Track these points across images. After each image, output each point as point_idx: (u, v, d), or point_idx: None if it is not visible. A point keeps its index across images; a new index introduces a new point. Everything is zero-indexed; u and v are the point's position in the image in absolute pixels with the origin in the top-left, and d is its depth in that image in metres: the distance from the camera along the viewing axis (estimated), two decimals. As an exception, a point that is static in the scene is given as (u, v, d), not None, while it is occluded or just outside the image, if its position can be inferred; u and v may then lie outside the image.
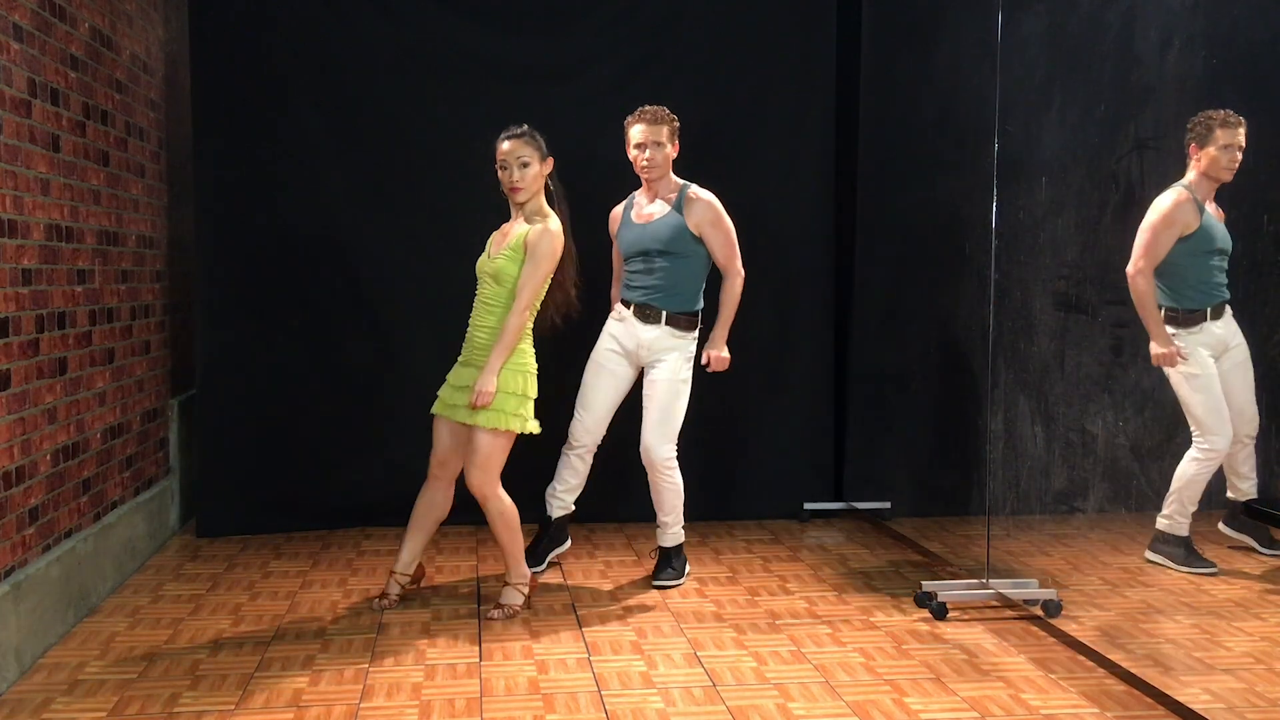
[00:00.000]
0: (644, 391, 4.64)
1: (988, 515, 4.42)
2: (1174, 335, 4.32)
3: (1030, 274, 4.57)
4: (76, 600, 4.20)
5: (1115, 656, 3.72)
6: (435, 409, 4.33)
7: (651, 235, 4.58)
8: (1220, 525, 4.51)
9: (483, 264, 4.25)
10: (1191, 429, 4.37)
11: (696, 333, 4.69)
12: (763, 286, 5.72)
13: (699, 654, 3.88)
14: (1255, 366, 4.40)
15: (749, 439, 5.80)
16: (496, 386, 4.09)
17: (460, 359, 4.30)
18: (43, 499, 3.98)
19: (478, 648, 3.96)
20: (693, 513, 5.66)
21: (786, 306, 5.77)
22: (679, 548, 4.76)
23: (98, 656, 3.88)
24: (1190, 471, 4.37)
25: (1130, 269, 4.27)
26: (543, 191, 4.25)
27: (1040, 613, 4.16)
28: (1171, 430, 4.49)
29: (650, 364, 4.64)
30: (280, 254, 5.43)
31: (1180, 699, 3.37)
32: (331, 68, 5.41)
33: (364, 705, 3.45)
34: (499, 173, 4.23)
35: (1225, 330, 4.34)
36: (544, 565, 4.81)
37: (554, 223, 4.19)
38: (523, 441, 4.29)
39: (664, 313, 4.59)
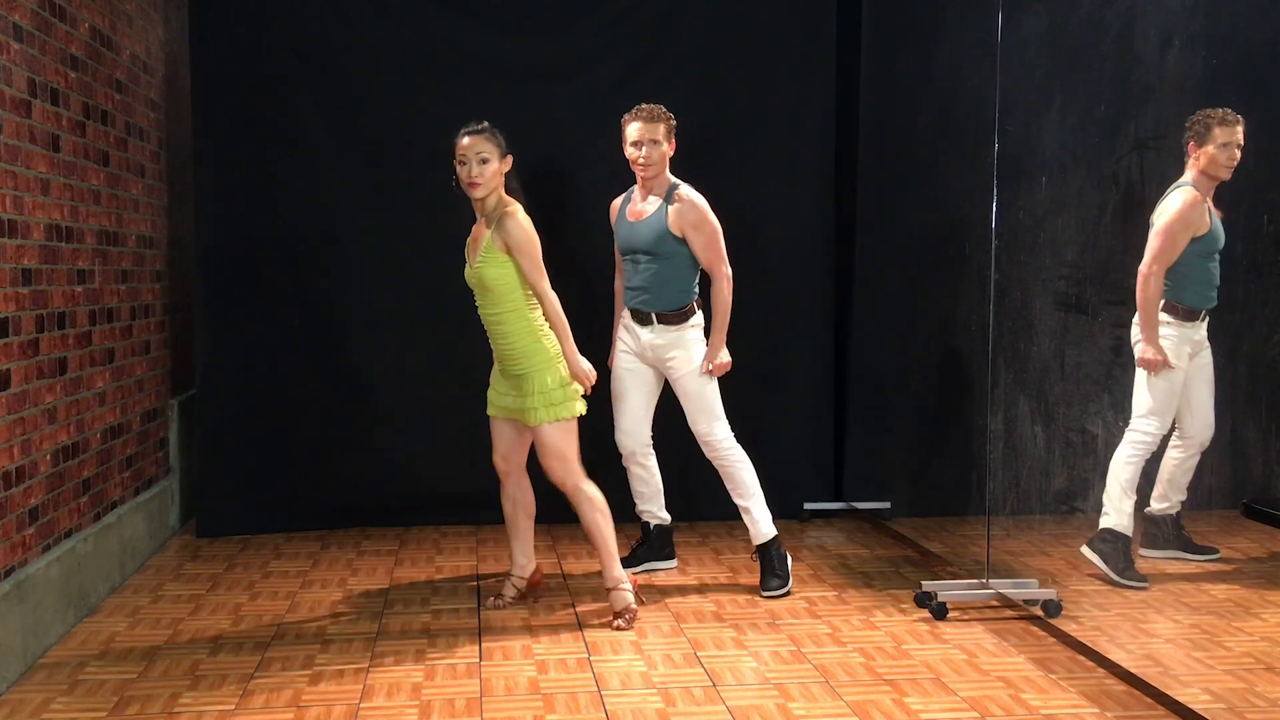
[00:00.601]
0: (675, 391, 4.70)
1: (988, 515, 4.42)
2: (1168, 324, 4.31)
3: (1030, 274, 4.57)
4: (76, 600, 4.20)
5: (1115, 656, 3.72)
6: (490, 411, 4.36)
7: (639, 234, 4.58)
8: (1140, 550, 4.48)
9: (468, 276, 4.21)
10: (1134, 413, 4.36)
11: (697, 317, 4.66)
12: (763, 287, 5.73)
13: (699, 654, 3.88)
14: (1254, 366, 4.40)
15: (749, 439, 5.75)
16: (543, 380, 4.12)
17: (498, 367, 4.29)
18: (43, 499, 3.98)
19: (478, 648, 3.96)
20: (694, 512, 5.69)
21: (786, 306, 5.76)
22: (775, 542, 4.63)
23: (98, 656, 3.88)
24: (1123, 455, 4.38)
25: (1143, 269, 4.26)
26: (502, 188, 4.15)
27: (1040, 613, 4.16)
28: (1171, 430, 4.48)
29: (662, 363, 4.66)
30: (280, 254, 5.43)
31: (1180, 699, 3.37)
32: (331, 68, 5.41)
33: (364, 705, 3.45)
34: (458, 169, 4.12)
35: (1203, 334, 4.35)
36: (638, 569, 4.80)
37: (515, 209, 4.11)
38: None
39: (652, 314, 4.59)
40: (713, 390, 4.66)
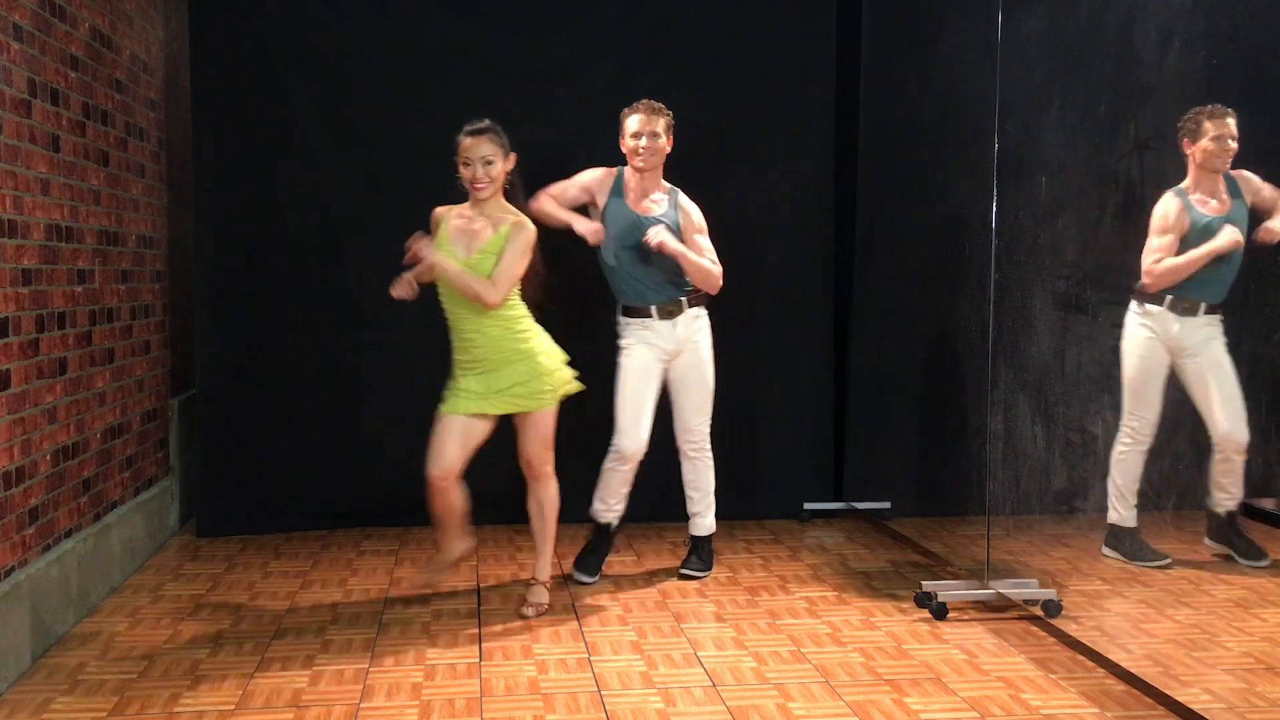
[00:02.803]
0: (680, 382, 4.72)
1: (988, 515, 4.42)
2: (1147, 312, 4.33)
3: (1030, 274, 4.57)
4: (76, 600, 4.20)
5: (1115, 656, 3.72)
6: (453, 409, 4.17)
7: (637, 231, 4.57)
8: (1206, 540, 4.50)
9: (463, 267, 4.14)
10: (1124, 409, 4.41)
11: (701, 309, 4.74)
12: (763, 287, 5.73)
13: (699, 654, 3.88)
14: (1256, 366, 4.39)
15: (749, 439, 5.80)
16: (539, 365, 4.14)
17: (469, 363, 4.18)
18: (43, 499, 3.98)
19: (478, 648, 3.96)
20: (693, 513, 5.69)
21: (786, 306, 5.76)
22: (712, 538, 4.90)
23: (98, 656, 3.88)
24: (1117, 453, 4.41)
25: (1144, 279, 4.30)
26: (502, 188, 4.17)
27: (1040, 613, 4.16)
28: (1171, 430, 4.48)
29: (690, 350, 4.70)
30: (280, 254, 5.43)
31: (1180, 699, 3.37)
32: (331, 68, 5.41)
33: (364, 705, 3.45)
34: (461, 169, 4.12)
35: (1193, 330, 4.33)
36: (598, 577, 4.79)
37: (526, 221, 4.13)
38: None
39: (683, 300, 4.66)
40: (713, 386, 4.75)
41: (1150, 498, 4.55)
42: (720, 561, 5.04)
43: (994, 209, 4.32)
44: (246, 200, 5.39)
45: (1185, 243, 4.26)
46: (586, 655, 3.88)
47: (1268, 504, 4.54)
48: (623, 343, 4.70)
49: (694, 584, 4.70)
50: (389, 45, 5.45)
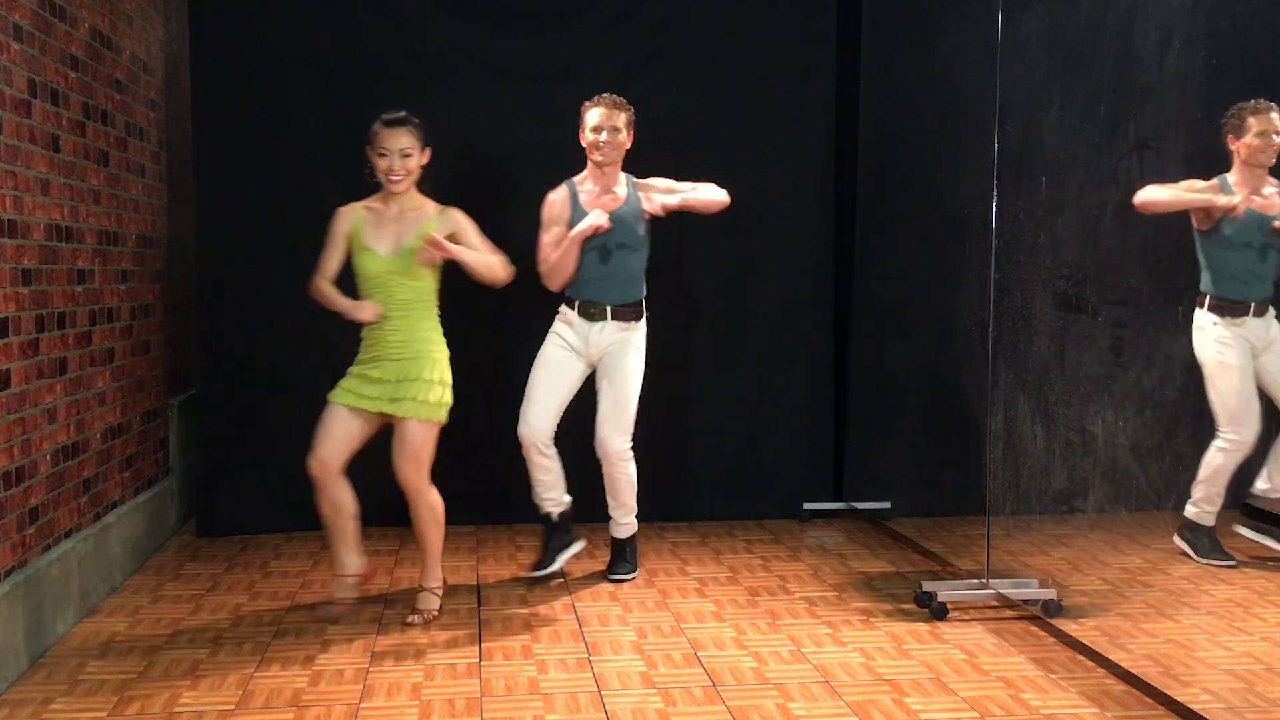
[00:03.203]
0: (600, 390, 4.61)
1: (988, 515, 4.42)
2: (1215, 324, 4.31)
3: (1030, 274, 4.57)
4: (76, 600, 4.20)
5: (1115, 656, 3.72)
6: (344, 400, 4.15)
7: (622, 221, 4.52)
8: (1237, 527, 4.50)
9: (386, 264, 4.11)
10: (1216, 419, 4.36)
11: (643, 322, 4.65)
12: (763, 286, 5.73)
13: (699, 654, 3.88)
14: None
15: (749, 439, 5.80)
16: (431, 372, 4.11)
17: (367, 359, 4.17)
18: (43, 499, 3.98)
19: (478, 648, 3.96)
20: (693, 513, 5.69)
21: (786, 306, 5.77)
22: (635, 537, 4.84)
23: (98, 656, 3.88)
24: (1217, 462, 4.39)
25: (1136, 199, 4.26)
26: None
27: (1040, 613, 4.16)
28: (1171, 430, 4.49)
29: (604, 361, 4.60)
30: (280, 254, 5.42)
31: (1180, 699, 3.37)
32: (331, 68, 5.41)
33: (364, 705, 3.45)
34: (376, 159, 4.10)
35: (1268, 326, 4.32)
36: (556, 565, 4.73)
37: (446, 207, 4.16)
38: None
39: (608, 307, 4.55)
40: (636, 400, 4.62)
41: (1150, 497, 4.56)
42: (720, 561, 5.04)
43: (994, 209, 4.32)
44: (246, 200, 5.39)
45: (1215, 235, 4.24)
46: (586, 655, 3.88)
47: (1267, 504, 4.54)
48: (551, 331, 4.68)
49: (694, 584, 4.70)
50: (389, 45, 5.45)
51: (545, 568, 4.70)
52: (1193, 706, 3.31)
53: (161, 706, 3.46)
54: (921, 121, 5.49)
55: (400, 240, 4.12)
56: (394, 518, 5.58)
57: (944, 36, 5.32)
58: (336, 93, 5.41)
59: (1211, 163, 4.28)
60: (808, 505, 5.79)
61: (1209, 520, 4.44)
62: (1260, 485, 4.45)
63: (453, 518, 5.70)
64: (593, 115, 4.55)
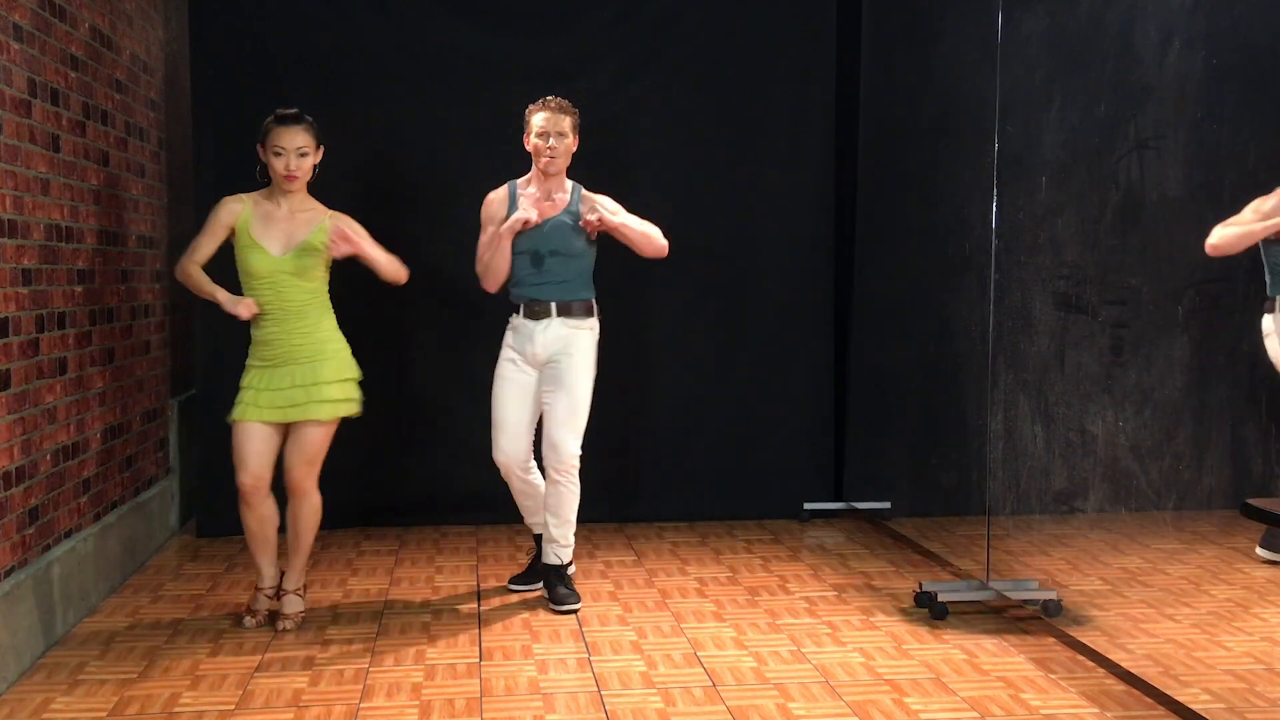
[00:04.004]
0: (546, 397, 4.37)
1: (988, 515, 4.42)
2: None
3: (1030, 274, 4.57)
4: (76, 600, 4.20)
5: (1115, 656, 3.72)
6: (254, 416, 4.07)
7: (557, 233, 4.34)
8: (1258, 550, 4.46)
9: (276, 263, 4.04)
10: None
11: (595, 318, 4.44)
12: (763, 286, 5.73)
13: (699, 654, 3.88)
14: (1255, 366, 4.38)
15: (749, 439, 5.80)
16: (342, 371, 4.11)
17: (264, 364, 4.09)
18: (43, 499, 3.98)
19: (478, 648, 3.96)
20: (693, 512, 5.69)
21: (786, 306, 5.77)
22: (570, 565, 4.49)
23: (98, 656, 3.88)
24: None
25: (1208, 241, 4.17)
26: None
27: (1040, 613, 4.16)
28: (1171, 430, 4.49)
29: (551, 363, 4.36)
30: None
31: (1180, 699, 3.37)
32: (331, 68, 5.41)
33: (364, 705, 3.45)
34: (271, 158, 4.01)
35: None
36: (538, 585, 4.59)
37: (336, 212, 4.15)
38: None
39: (552, 304, 4.34)
40: (588, 404, 4.37)
41: (1150, 497, 4.56)
42: (720, 561, 5.04)
43: (994, 209, 4.32)
44: (246, 200, 5.38)
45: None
46: (586, 655, 3.88)
47: (1267, 504, 4.54)
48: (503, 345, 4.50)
49: (694, 584, 4.69)
50: (389, 45, 5.45)
51: (525, 584, 4.58)
52: (1193, 706, 3.31)
53: (161, 706, 3.46)
54: (921, 121, 5.50)
55: (291, 239, 4.05)
56: (393, 518, 5.62)
57: (944, 36, 5.32)
58: (336, 93, 5.41)
59: (1213, 162, 4.27)
60: (808, 505, 5.79)
61: None
62: None
63: (453, 518, 5.75)
64: (538, 119, 4.37)
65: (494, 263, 4.39)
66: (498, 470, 4.53)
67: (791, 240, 5.76)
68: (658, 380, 5.70)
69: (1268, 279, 4.23)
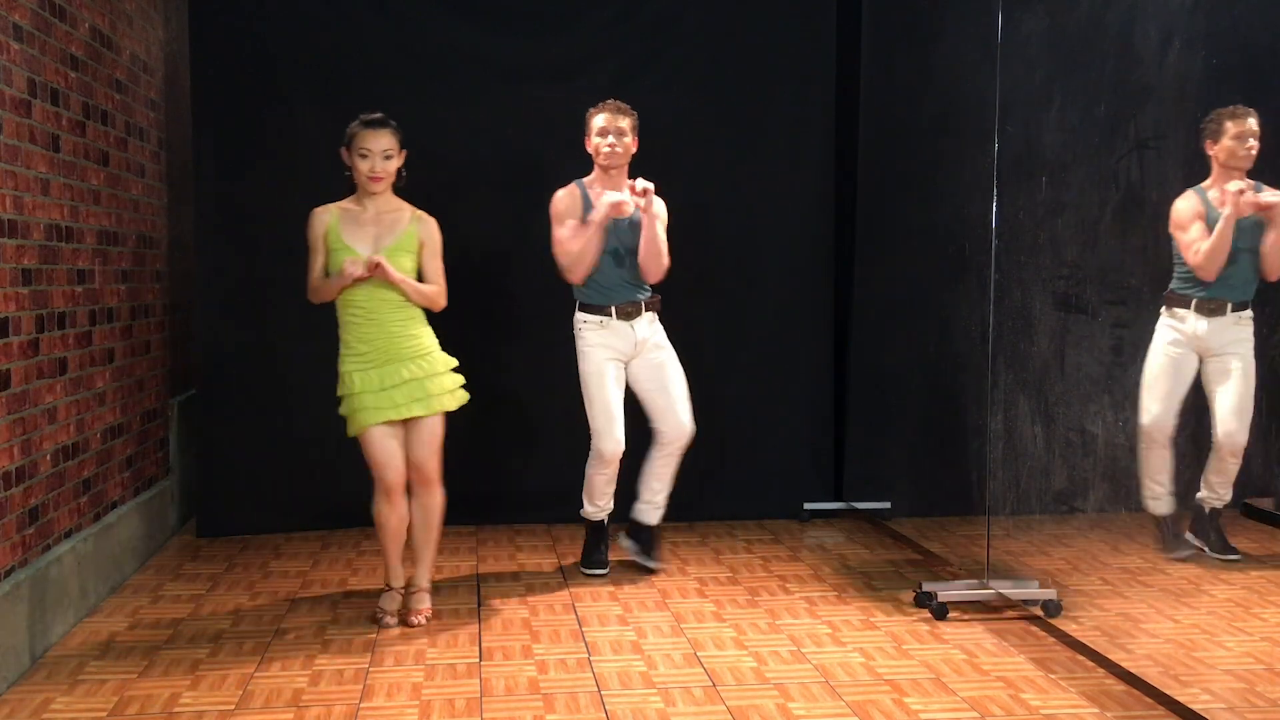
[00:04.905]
0: (650, 386, 4.71)
1: (988, 515, 4.42)
2: (1163, 313, 4.33)
3: (1030, 274, 4.57)
4: (76, 600, 4.20)
5: (1115, 656, 3.72)
6: (381, 419, 4.10)
7: (628, 233, 4.59)
8: (1186, 534, 4.50)
9: (377, 259, 4.06)
10: None
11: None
12: (763, 287, 5.73)
13: (699, 654, 3.88)
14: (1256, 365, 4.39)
15: (749, 439, 5.80)
16: (447, 362, 4.18)
17: (366, 366, 4.11)
18: (43, 499, 3.98)
19: (478, 648, 3.96)
20: (693, 513, 5.68)
21: (786, 306, 5.77)
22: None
23: (98, 656, 3.88)
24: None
25: (1197, 273, 4.28)
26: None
27: (1040, 613, 4.16)
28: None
29: (651, 354, 4.71)
30: (280, 254, 5.42)
31: (1180, 699, 3.37)
32: (331, 67, 5.41)
33: (364, 705, 3.45)
34: (357, 160, 4.09)
35: (1215, 333, 4.30)
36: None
37: (423, 213, 4.22)
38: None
39: (643, 303, 4.69)
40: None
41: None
42: (720, 561, 5.04)
43: (994, 209, 4.32)
44: (246, 200, 5.39)
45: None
46: (586, 655, 3.88)
47: (1266, 504, 4.54)
48: (580, 345, 4.69)
49: (694, 584, 4.70)
50: (389, 45, 5.45)
51: (605, 569, 4.82)
52: (1193, 706, 3.31)
53: (161, 706, 3.46)
54: (921, 122, 5.49)
55: (379, 241, 4.14)
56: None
57: (944, 36, 5.32)
58: (336, 93, 5.41)
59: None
60: (808, 505, 5.79)
61: (1159, 510, 4.49)
62: (1199, 494, 4.48)
63: (453, 518, 5.72)
64: (598, 119, 4.59)
65: (584, 252, 4.57)
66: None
67: (791, 240, 5.76)
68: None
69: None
